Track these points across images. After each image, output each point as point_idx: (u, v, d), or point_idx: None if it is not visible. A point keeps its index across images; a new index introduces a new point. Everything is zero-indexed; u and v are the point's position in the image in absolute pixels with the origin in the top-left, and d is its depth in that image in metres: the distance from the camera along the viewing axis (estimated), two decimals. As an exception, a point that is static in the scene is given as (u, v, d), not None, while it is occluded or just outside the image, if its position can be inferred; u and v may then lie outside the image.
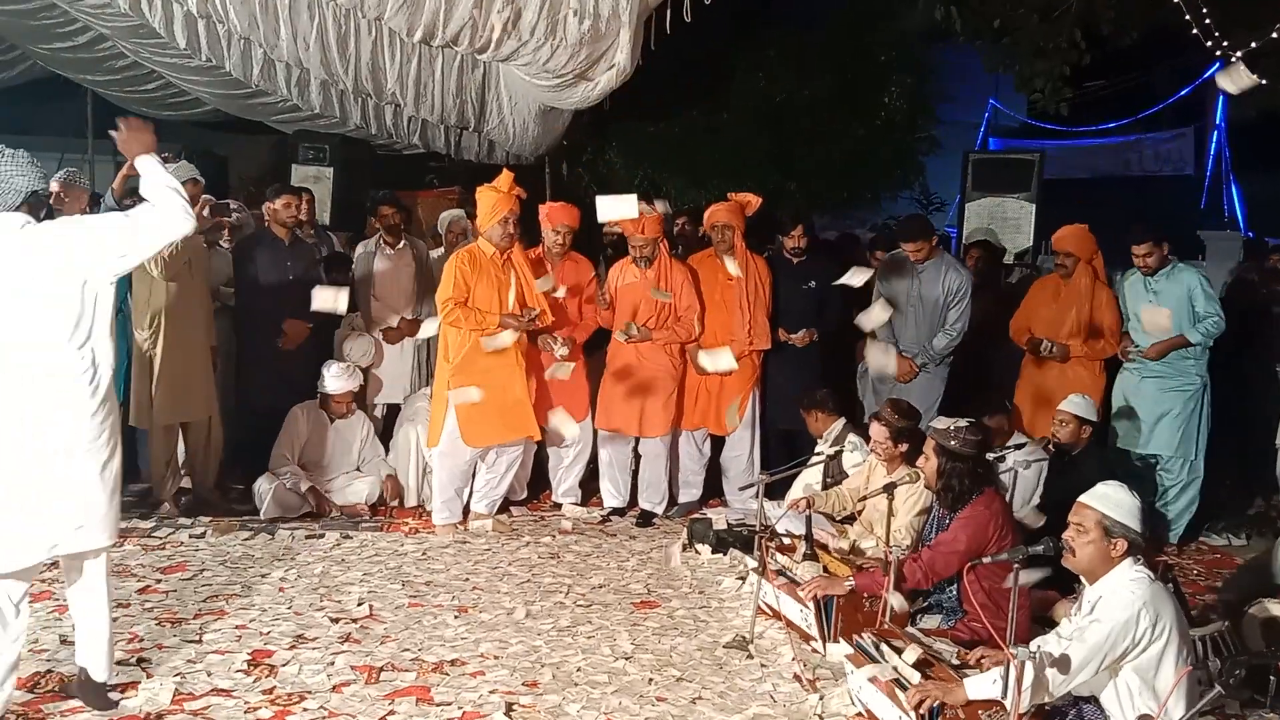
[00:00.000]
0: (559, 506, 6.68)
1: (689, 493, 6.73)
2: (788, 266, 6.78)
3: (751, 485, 5.42)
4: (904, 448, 5.14)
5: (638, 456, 6.65)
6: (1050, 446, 5.75)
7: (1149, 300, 6.25)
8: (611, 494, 6.61)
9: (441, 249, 7.48)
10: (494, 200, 5.97)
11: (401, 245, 7.14)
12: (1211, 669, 3.90)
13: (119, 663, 4.08)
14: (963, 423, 4.44)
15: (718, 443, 6.71)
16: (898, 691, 3.53)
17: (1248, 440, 7.33)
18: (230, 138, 10.72)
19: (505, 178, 6.05)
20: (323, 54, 7.07)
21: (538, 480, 6.86)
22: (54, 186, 6.01)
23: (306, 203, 7.20)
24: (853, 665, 3.88)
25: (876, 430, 5.23)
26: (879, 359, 6.35)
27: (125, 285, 6.17)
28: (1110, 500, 3.37)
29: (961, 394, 7.12)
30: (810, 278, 6.76)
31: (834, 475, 5.89)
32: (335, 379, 6.37)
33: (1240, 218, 15.87)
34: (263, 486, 6.19)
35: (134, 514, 6.04)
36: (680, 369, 6.49)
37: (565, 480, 6.70)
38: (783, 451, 6.57)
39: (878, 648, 3.83)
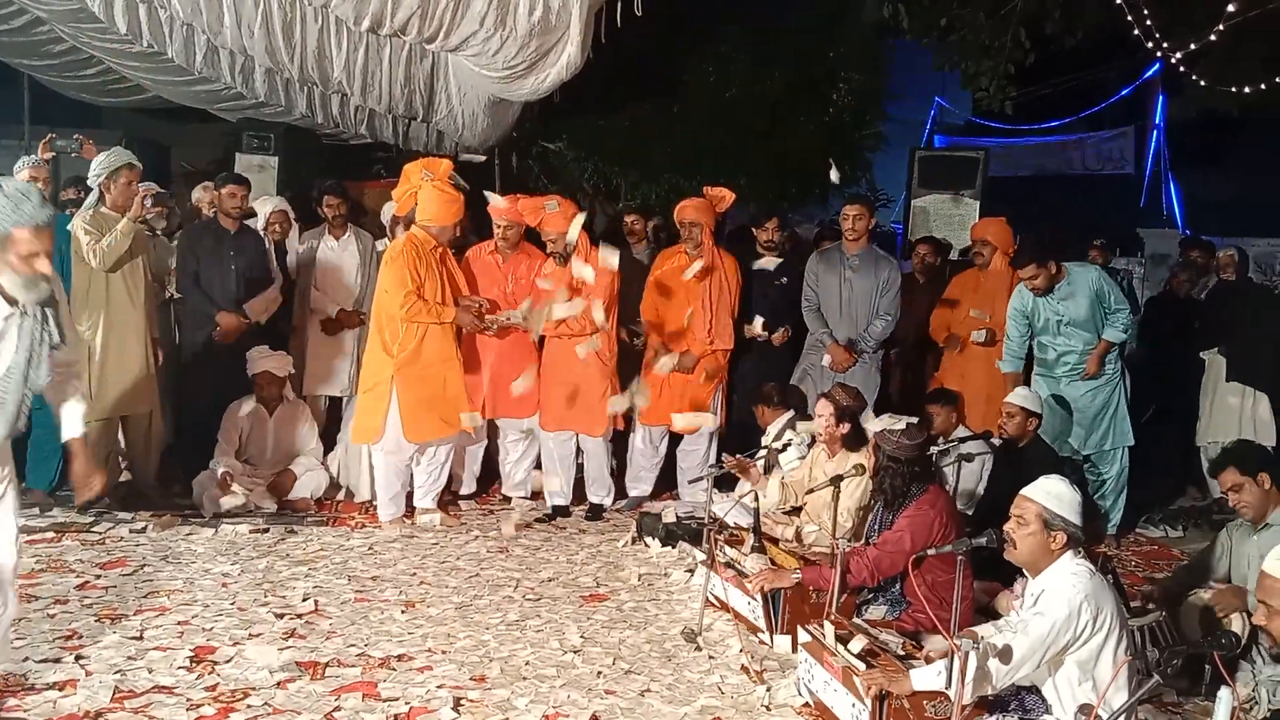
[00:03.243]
0: (508, 500, 6.66)
1: (639, 487, 6.73)
2: (760, 261, 6.83)
3: (701, 478, 5.45)
4: (845, 428, 5.18)
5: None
6: (997, 439, 5.84)
7: (1058, 316, 6.11)
8: (555, 493, 6.55)
9: (386, 239, 7.41)
10: (450, 206, 5.94)
11: (347, 236, 7.08)
12: (1150, 659, 3.98)
13: (56, 660, 4.01)
14: (899, 425, 4.45)
15: (675, 438, 6.72)
16: (855, 678, 3.56)
17: (1182, 431, 7.52)
18: (173, 125, 10.53)
19: (445, 167, 6.02)
20: (268, 41, 6.96)
21: (487, 474, 6.83)
22: (26, 173, 5.91)
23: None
24: (808, 654, 3.91)
25: (823, 406, 5.27)
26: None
27: (63, 275, 6.04)
28: (1051, 494, 3.43)
29: (908, 388, 7.23)
30: (783, 274, 6.79)
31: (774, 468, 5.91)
32: (263, 359, 6.30)
33: (1178, 216, 16.19)
34: (205, 481, 6.10)
35: (72, 508, 5.93)
36: (611, 366, 6.42)
37: (515, 474, 6.67)
38: (737, 444, 6.59)
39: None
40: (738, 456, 5.53)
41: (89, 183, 6.01)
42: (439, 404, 5.95)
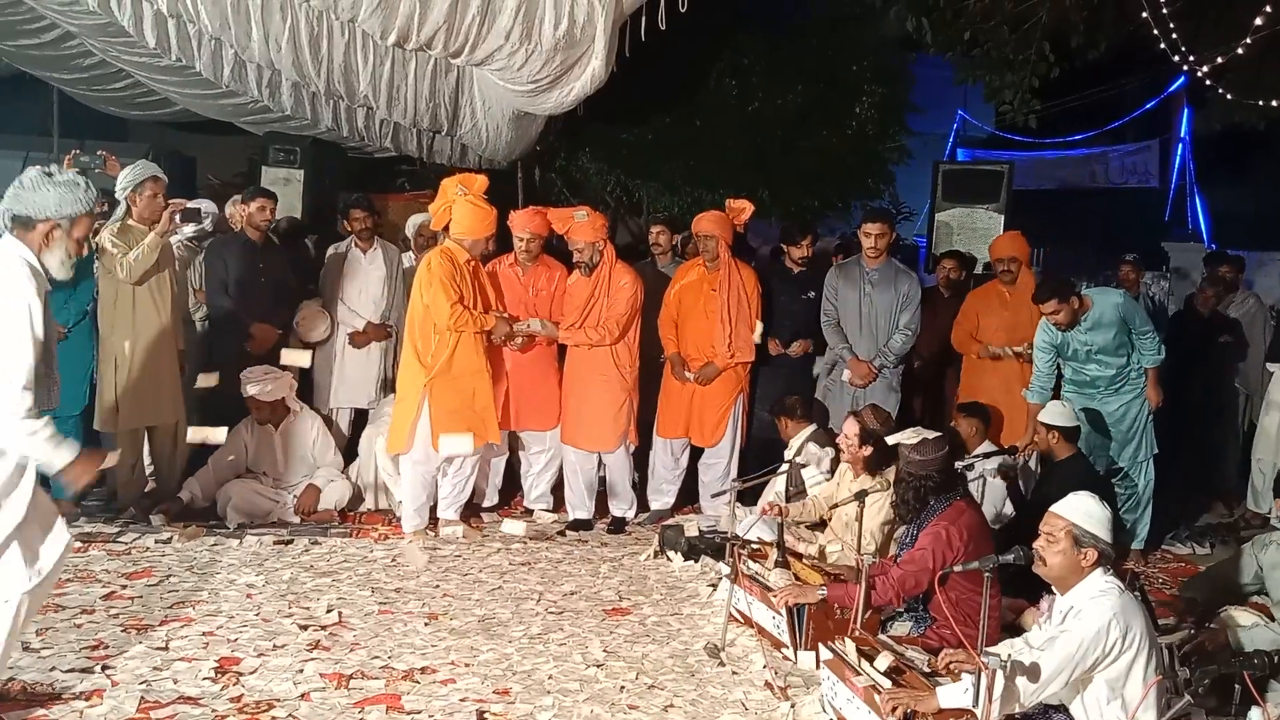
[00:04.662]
0: (531, 513, 6.66)
1: (661, 500, 6.72)
2: (788, 276, 6.82)
3: (724, 492, 5.44)
4: (868, 450, 5.16)
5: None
6: (1023, 456, 5.81)
7: (1086, 347, 6.03)
8: (575, 505, 6.56)
9: (411, 253, 7.45)
10: (482, 220, 5.99)
11: (374, 249, 7.13)
12: (1179, 677, 3.94)
13: (82, 670, 4.03)
14: (913, 440, 4.42)
15: (696, 450, 6.71)
16: (875, 697, 3.53)
17: (1205, 447, 7.45)
18: (199, 138, 10.61)
19: (481, 183, 6.07)
20: (295, 56, 7.00)
21: (509, 486, 6.83)
22: None
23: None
24: (831, 671, 3.88)
25: (849, 425, 5.26)
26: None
27: (93, 286, 6.09)
28: (1080, 510, 3.40)
29: (930, 402, 7.19)
30: (810, 288, 6.79)
31: (795, 484, 5.89)
32: (251, 383, 6.26)
33: (1204, 230, 16.08)
34: (227, 493, 6.13)
35: (98, 518, 5.98)
36: (630, 380, 6.44)
37: (537, 486, 6.68)
38: (759, 458, 6.57)
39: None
40: (772, 503, 5.48)
41: (115, 196, 6.06)
42: (467, 415, 5.96)
